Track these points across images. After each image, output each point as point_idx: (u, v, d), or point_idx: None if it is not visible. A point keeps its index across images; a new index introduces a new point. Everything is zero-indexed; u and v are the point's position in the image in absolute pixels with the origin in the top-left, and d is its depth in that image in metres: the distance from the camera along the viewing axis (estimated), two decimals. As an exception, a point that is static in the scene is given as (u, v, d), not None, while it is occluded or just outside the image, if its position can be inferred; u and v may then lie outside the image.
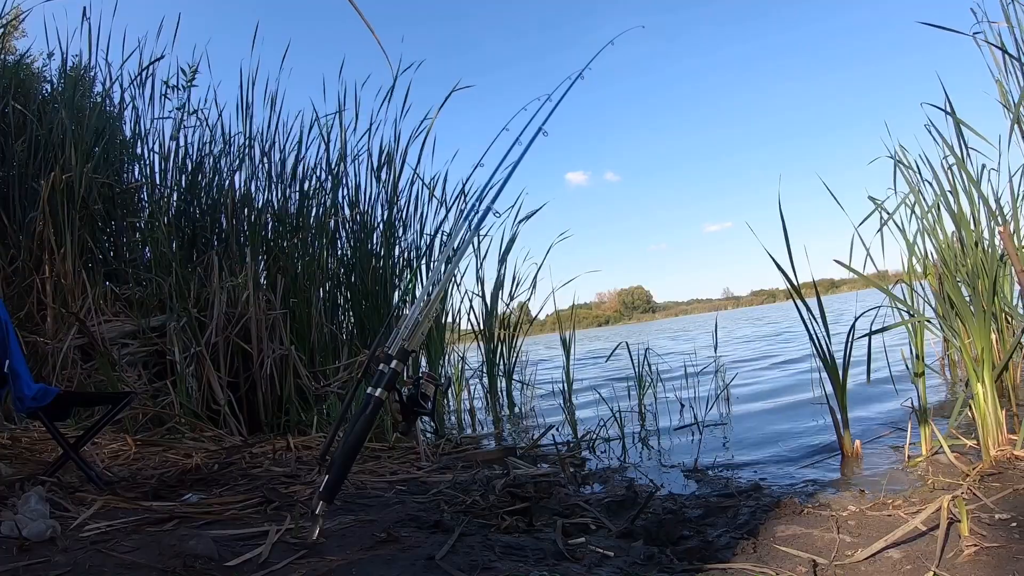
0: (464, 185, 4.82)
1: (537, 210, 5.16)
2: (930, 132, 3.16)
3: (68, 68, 4.55)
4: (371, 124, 4.74)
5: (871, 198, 3.15)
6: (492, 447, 3.13)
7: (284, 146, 4.71)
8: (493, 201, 1.83)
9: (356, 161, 4.75)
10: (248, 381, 3.76)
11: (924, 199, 3.06)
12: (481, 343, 5.02)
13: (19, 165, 3.94)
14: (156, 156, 4.61)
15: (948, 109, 3.02)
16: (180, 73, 4.65)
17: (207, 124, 4.63)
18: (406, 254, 4.89)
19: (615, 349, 4.55)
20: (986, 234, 2.90)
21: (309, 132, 4.73)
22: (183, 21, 4.62)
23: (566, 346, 4.88)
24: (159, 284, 3.90)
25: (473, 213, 1.87)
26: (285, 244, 4.46)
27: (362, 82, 4.80)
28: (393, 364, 1.62)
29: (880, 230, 3.10)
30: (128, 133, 4.68)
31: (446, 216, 4.90)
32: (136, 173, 4.69)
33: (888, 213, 3.11)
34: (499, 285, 5.08)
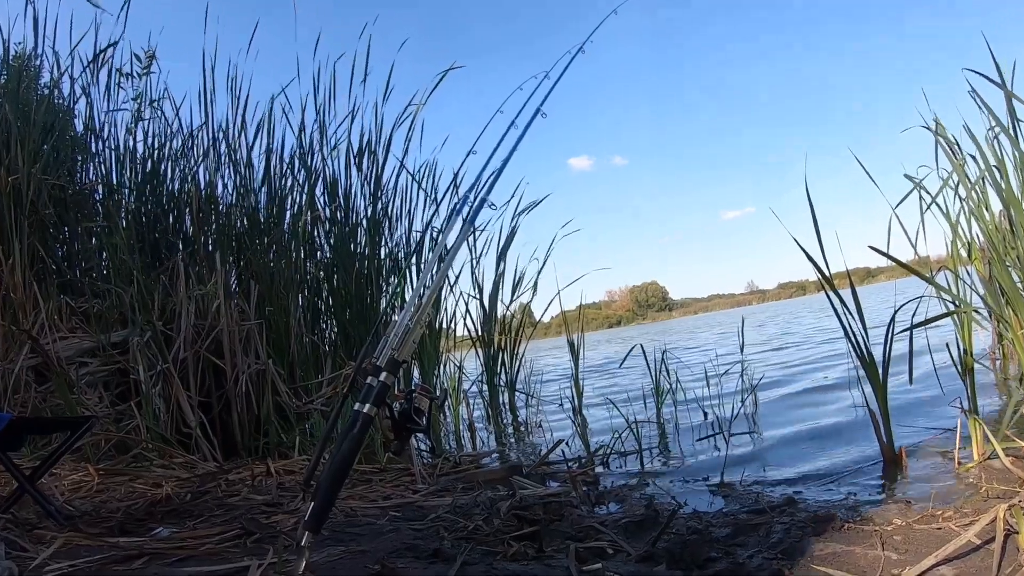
0: (456, 175, 4.83)
1: (539, 202, 5.17)
2: (974, 99, 3.15)
3: (11, 57, 4.55)
4: (353, 108, 4.73)
5: (907, 176, 3.15)
6: (495, 466, 3.13)
7: (250, 136, 4.71)
8: (488, 192, 1.83)
9: (335, 151, 4.75)
10: (222, 400, 3.76)
11: (968, 176, 3.06)
12: (479, 350, 5.02)
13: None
14: (112, 153, 4.62)
15: (996, 76, 3.01)
16: (134, 59, 4.65)
17: (164, 116, 4.63)
18: (393, 254, 4.89)
19: (628, 353, 4.56)
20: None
21: (282, 120, 4.74)
22: (140, 3, 4.62)
23: (574, 351, 4.89)
24: (119, 295, 3.90)
25: (466, 206, 1.86)
26: (258, 245, 4.47)
27: (339, 63, 4.79)
28: (382, 377, 1.62)
29: (923, 213, 3.10)
30: (80, 128, 4.69)
31: (436, 211, 4.91)
32: (90, 173, 4.70)
33: (928, 193, 3.12)
34: (498, 285, 5.08)
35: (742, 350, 4.93)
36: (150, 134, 4.65)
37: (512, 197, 5.07)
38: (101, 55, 4.52)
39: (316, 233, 4.73)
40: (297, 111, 4.73)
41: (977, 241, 3.20)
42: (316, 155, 4.71)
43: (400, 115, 4.83)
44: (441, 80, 4.77)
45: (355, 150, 4.76)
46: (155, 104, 4.66)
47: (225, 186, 4.66)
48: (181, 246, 4.44)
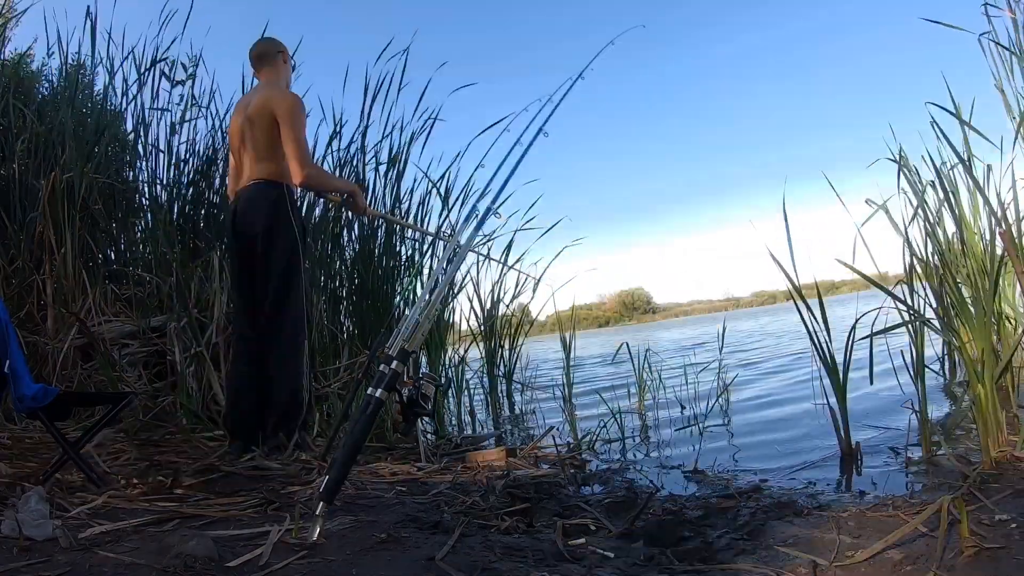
0: (467, 185, 4.82)
1: (550, 228, 5.10)
2: (934, 131, 3.15)
3: (68, 66, 4.55)
4: (366, 121, 4.70)
5: (869, 201, 3.16)
6: (492, 448, 3.13)
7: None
8: (494, 202, 1.84)
9: (359, 158, 4.73)
10: (248, 381, 3.76)
11: (927, 202, 3.07)
12: (481, 344, 5.03)
13: (19, 165, 3.94)
14: (160, 154, 4.59)
15: (953, 109, 3.01)
16: (181, 68, 4.60)
17: (209, 117, 4.59)
18: (408, 254, 4.88)
19: (616, 351, 4.55)
20: (987, 235, 2.90)
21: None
22: (190, 16, 4.53)
23: (566, 347, 4.89)
24: (159, 284, 3.90)
25: (475, 214, 1.87)
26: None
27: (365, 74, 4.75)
28: (393, 365, 1.63)
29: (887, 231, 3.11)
30: (129, 133, 4.67)
31: (447, 217, 4.90)
32: (137, 172, 4.69)
33: (888, 214, 3.12)
34: (500, 286, 5.08)
35: (720, 351, 4.93)
36: (195, 137, 4.61)
37: (528, 210, 5.05)
38: (150, 68, 4.48)
39: (338, 233, 4.71)
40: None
41: (932, 259, 3.20)
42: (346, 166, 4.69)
43: (419, 124, 4.77)
44: (454, 91, 4.73)
45: (378, 159, 4.73)
46: (199, 107, 4.60)
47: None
48: (217, 241, 4.42)
